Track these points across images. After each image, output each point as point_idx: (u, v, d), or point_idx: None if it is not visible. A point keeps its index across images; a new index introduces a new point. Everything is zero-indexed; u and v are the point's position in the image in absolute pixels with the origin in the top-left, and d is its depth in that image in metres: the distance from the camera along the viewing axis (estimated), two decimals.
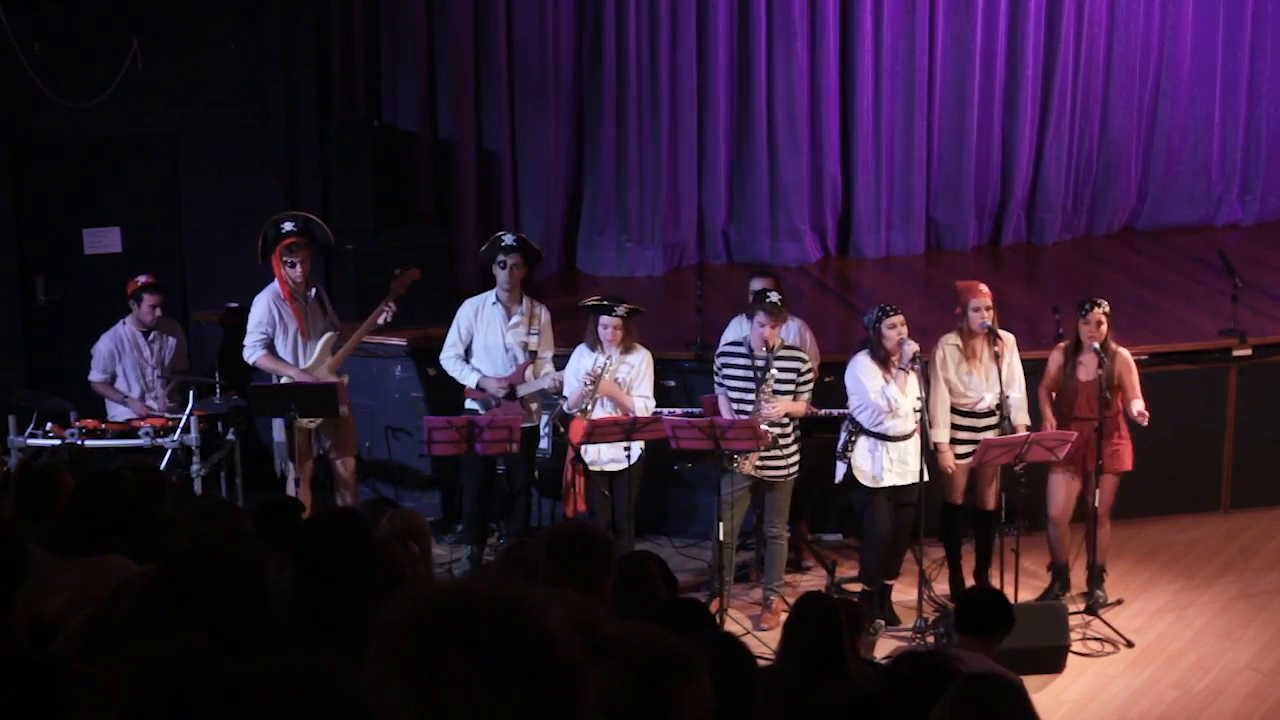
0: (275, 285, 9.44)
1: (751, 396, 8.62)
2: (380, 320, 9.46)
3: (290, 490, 9.39)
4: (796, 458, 8.83)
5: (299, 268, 9.34)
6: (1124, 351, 8.86)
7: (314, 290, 9.54)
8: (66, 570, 4.81)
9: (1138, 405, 8.67)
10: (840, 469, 8.75)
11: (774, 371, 8.58)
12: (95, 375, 9.85)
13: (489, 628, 1.88)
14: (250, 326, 9.46)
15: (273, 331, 9.42)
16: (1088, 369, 8.77)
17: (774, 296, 8.64)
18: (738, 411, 8.66)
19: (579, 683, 1.91)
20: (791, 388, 8.67)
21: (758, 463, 8.69)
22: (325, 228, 9.66)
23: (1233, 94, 13.27)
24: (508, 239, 9.42)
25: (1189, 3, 13.03)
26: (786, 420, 8.70)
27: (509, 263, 9.26)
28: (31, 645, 3.94)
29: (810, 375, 8.79)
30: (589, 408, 8.86)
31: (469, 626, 1.88)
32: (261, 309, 9.44)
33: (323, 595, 4.06)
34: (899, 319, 8.49)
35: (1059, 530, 9.01)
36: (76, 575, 4.78)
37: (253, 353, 9.45)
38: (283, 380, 9.41)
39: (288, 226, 9.45)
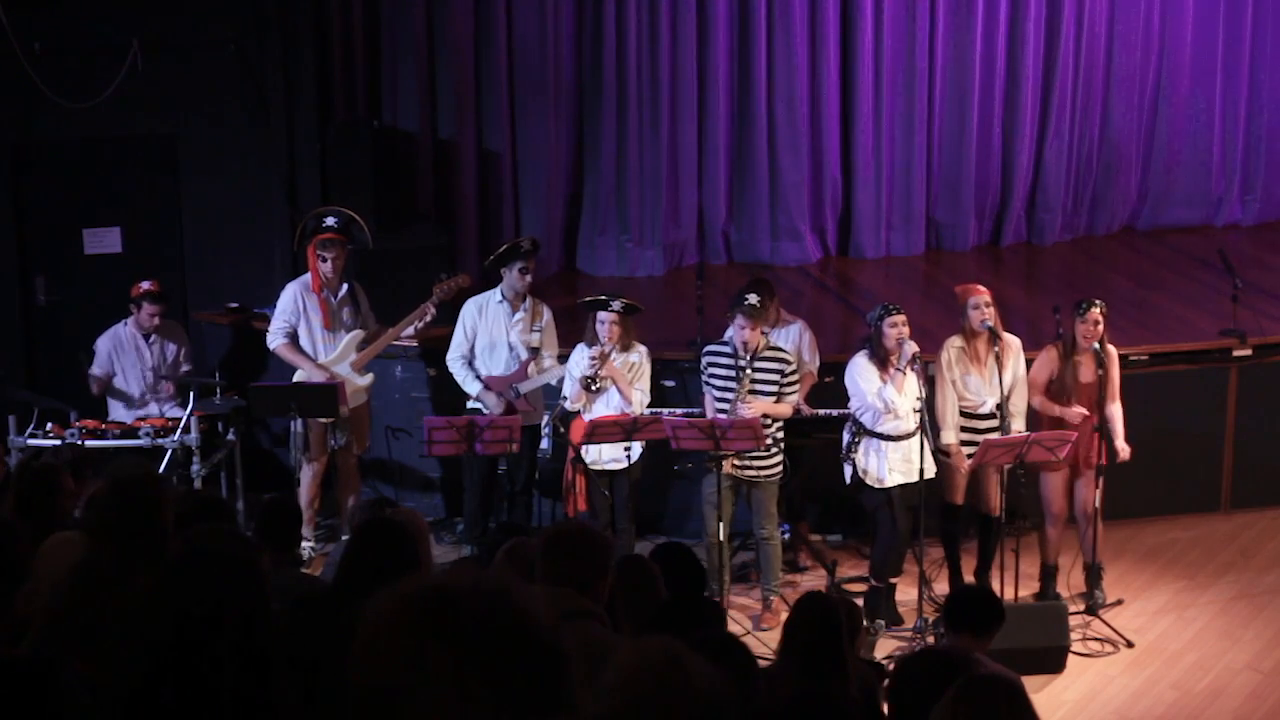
0: (306, 277, 9.52)
1: (731, 396, 8.63)
2: (417, 325, 9.46)
3: (305, 480, 9.44)
4: (779, 458, 8.81)
5: (330, 263, 9.39)
6: (1111, 349, 8.89)
7: (346, 286, 9.56)
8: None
9: (1116, 411, 8.77)
10: (847, 470, 8.75)
11: (749, 372, 8.58)
12: (95, 370, 9.86)
13: (471, 619, 1.88)
14: (275, 313, 9.55)
15: (296, 321, 9.47)
16: (1087, 370, 8.77)
17: (751, 299, 8.63)
18: (719, 412, 8.67)
19: (565, 668, 1.91)
20: (774, 389, 8.65)
21: (737, 463, 8.69)
22: (365, 229, 9.69)
23: (1233, 94, 13.27)
24: (526, 244, 9.44)
25: (1189, 3, 13.03)
26: (769, 421, 8.68)
27: (529, 267, 9.29)
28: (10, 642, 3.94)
29: (796, 378, 8.77)
30: (601, 388, 8.86)
31: (451, 619, 1.88)
32: (288, 298, 9.49)
33: (363, 598, 4.08)
34: (901, 318, 8.48)
35: (1057, 531, 9.01)
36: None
37: (274, 340, 9.51)
38: (297, 373, 9.44)
39: (329, 222, 9.50)
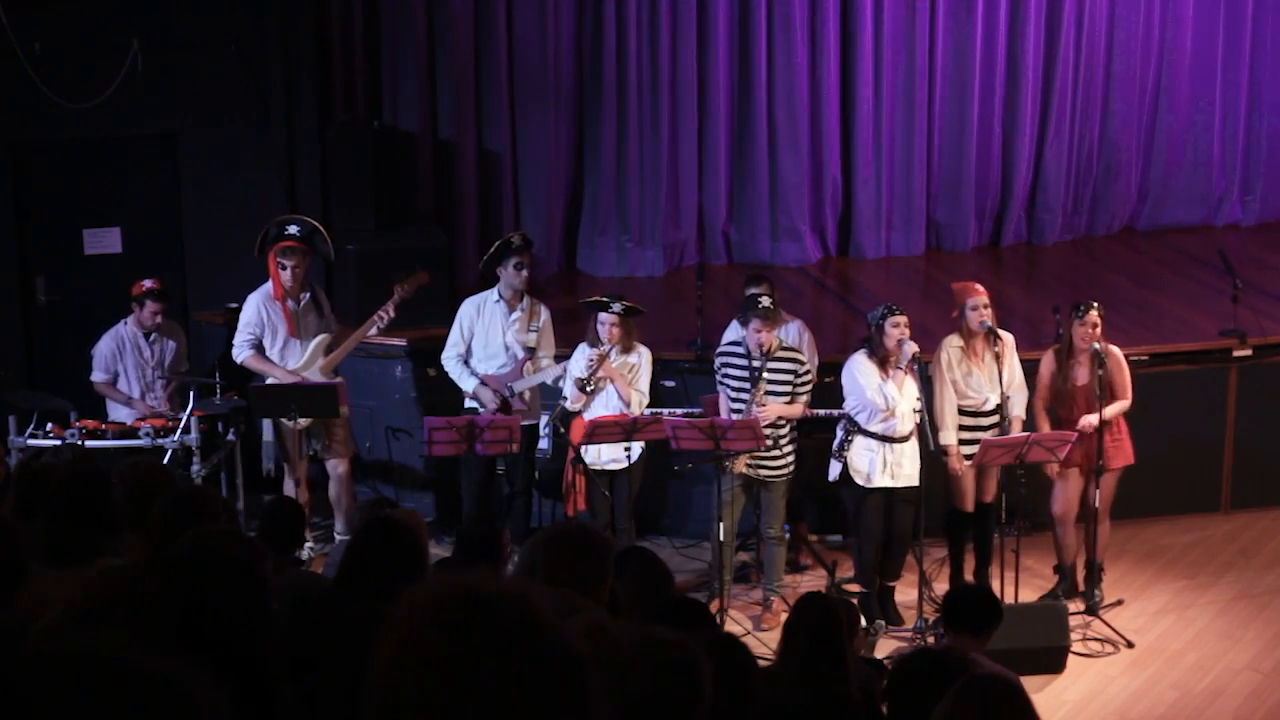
0: (268, 286, 9.45)
1: (747, 397, 8.63)
2: (376, 328, 9.45)
3: (289, 490, 9.41)
4: (792, 458, 8.83)
5: (289, 271, 9.35)
6: (1115, 350, 8.88)
7: (308, 292, 9.54)
8: (58, 581, 4.73)
9: (1109, 410, 8.70)
10: (835, 468, 8.75)
11: (766, 374, 8.59)
12: (97, 376, 9.85)
13: (506, 625, 1.88)
14: (239, 326, 9.50)
15: (261, 332, 9.43)
16: (1083, 372, 8.77)
17: (765, 301, 8.64)
18: (732, 412, 8.67)
19: (588, 678, 1.92)
20: (788, 389, 8.66)
21: (750, 461, 8.70)
22: (328, 240, 9.64)
23: (1233, 94, 13.27)
24: (516, 239, 9.43)
25: (1189, 3, 13.03)
26: (782, 422, 8.70)
27: (524, 262, 9.28)
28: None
29: (809, 377, 8.79)
30: (595, 389, 8.87)
31: (488, 625, 1.88)
32: (252, 310, 9.45)
33: (365, 598, 4.08)
34: (903, 319, 8.49)
35: (1064, 530, 9.01)
36: (70, 585, 4.70)
37: (240, 352, 9.47)
38: (268, 381, 9.41)
39: (291, 230, 9.45)
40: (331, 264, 10.22)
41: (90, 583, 4.09)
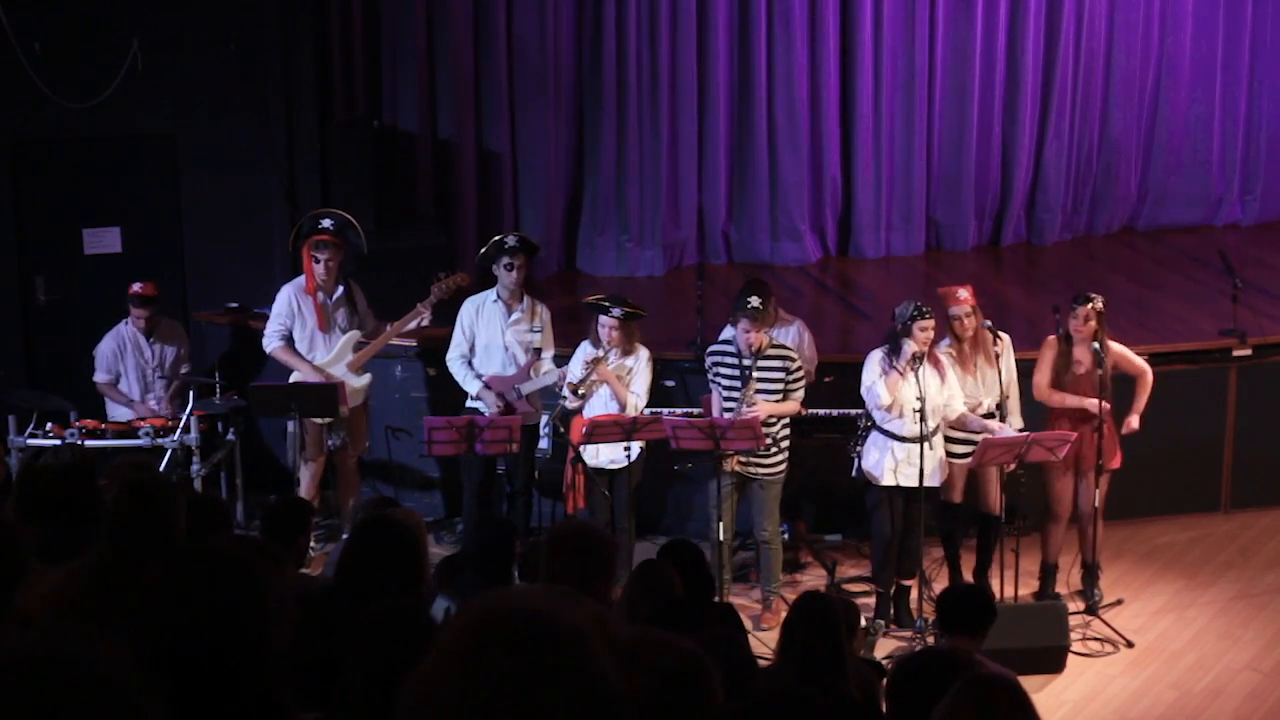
0: (300, 278, 9.50)
1: (738, 395, 8.62)
2: (414, 324, 9.47)
3: (305, 480, 9.43)
4: (784, 457, 8.81)
5: (323, 264, 9.40)
6: (1115, 345, 8.84)
7: (342, 287, 9.56)
8: (53, 576, 4.73)
9: (1140, 397, 8.79)
10: (855, 463, 8.74)
11: (754, 375, 8.58)
12: (100, 376, 9.87)
13: (568, 655, 1.89)
14: (271, 316, 9.55)
15: (291, 323, 9.47)
16: (1082, 365, 8.75)
17: (753, 301, 8.60)
18: (725, 411, 8.66)
19: (629, 717, 1.93)
20: (779, 388, 8.64)
21: (743, 460, 8.69)
22: (361, 234, 9.67)
23: (1233, 94, 13.28)
24: (511, 240, 9.41)
25: (1189, 3, 13.04)
26: (774, 421, 8.68)
27: (515, 264, 9.25)
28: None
29: (801, 374, 8.75)
30: (586, 393, 8.87)
31: (552, 652, 1.89)
32: (283, 300, 9.50)
33: (364, 594, 4.08)
34: (931, 324, 8.42)
35: (1060, 530, 9.01)
36: (65, 580, 4.70)
37: (270, 342, 9.51)
38: (293, 374, 9.44)
39: (325, 224, 9.49)
40: (363, 258, 10.21)
41: (72, 579, 4.08)
